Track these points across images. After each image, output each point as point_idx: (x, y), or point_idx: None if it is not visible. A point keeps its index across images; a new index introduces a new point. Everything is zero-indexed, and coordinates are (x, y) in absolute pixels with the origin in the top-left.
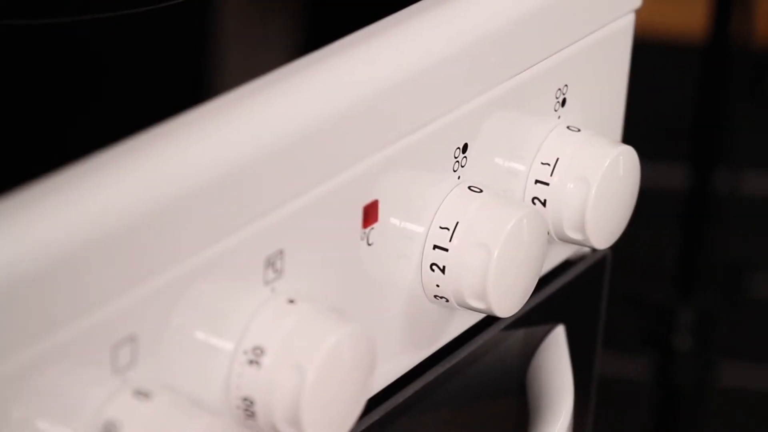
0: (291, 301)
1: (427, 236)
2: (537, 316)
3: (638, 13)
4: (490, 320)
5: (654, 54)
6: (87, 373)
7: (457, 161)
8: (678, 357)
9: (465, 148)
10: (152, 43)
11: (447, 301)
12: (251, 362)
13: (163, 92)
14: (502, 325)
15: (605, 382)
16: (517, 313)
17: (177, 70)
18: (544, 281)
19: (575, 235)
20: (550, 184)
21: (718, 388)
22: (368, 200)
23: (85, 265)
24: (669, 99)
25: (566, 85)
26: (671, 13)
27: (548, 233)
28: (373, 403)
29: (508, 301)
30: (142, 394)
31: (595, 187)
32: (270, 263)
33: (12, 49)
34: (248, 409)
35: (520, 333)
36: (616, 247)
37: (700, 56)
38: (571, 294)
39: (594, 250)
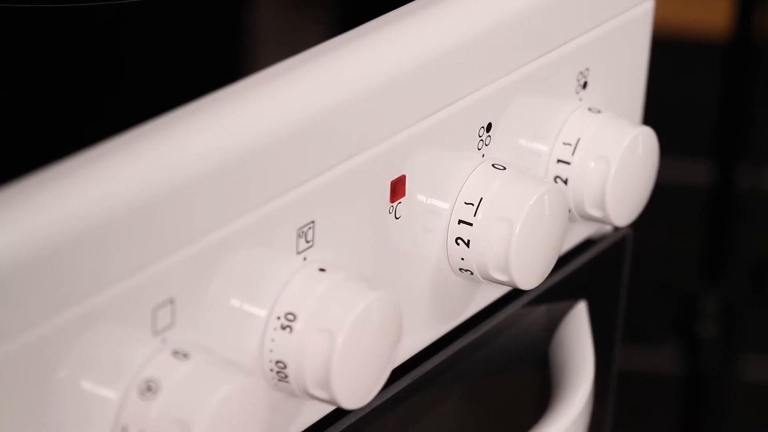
0: (322, 270)
1: (452, 211)
2: (559, 291)
3: (662, 10)
4: (513, 295)
5: (678, 51)
6: (128, 334)
7: (482, 140)
8: (703, 344)
9: (489, 127)
10: (190, 22)
11: (471, 274)
12: (284, 327)
13: (204, 68)
14: (525, 300)
15: (631, 371)
16: (539, 289)
17: (217, 46)
18: (566, 258)
19: (596, 213)
20: (572, 164)
21: (742, 381)
22: (396, 175)
23: (128, 230)
24: (693, 96)
25: (587, 69)
26: (695, 11)
27: (569, 211)
28: (398, 374)
29: (530, 274)
30: (180, 353)
31: (615, 166)
32: (302, 233)
33: (24, 32)
34: (281, 372)
35: (542, 308)
36: (642, 240)
37: (724, 53)
38: (592, 271)
39: (615, 229)
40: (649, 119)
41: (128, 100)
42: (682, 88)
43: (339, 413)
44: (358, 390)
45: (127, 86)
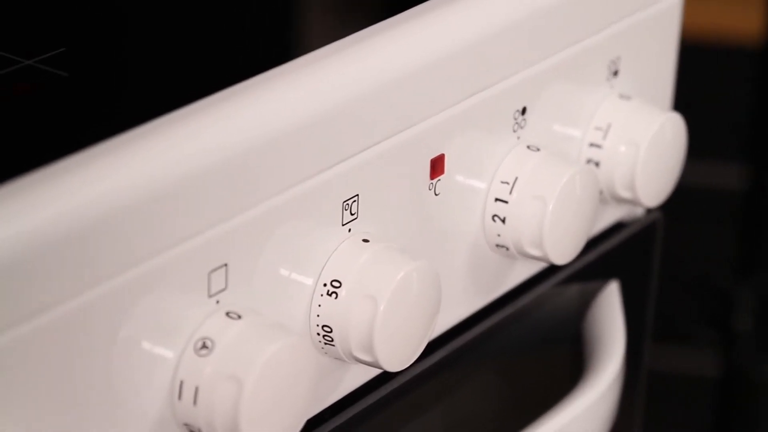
0: (365, 240)
1: (488, 189)
2: (592, 271)
3: (695, 16)
4: (547, 273)
5: (710, 55)
6: (186, 296)
7: (517, 123)
8: (738, 338)
9: (524, 111)
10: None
11: (507, 250)
12: (329, 294)
13: (258, 49)
14: (559, 278)
15: (666, 369)
16: (572, 268)
17: (264, 30)
18: (598, 240)
19: (626, 194)
20: (603, 147)
21: None
22: (436, 154)
23: (187, 199)
24: (725, 100)
25: (618, 57)
26: (727, 16)
27: (601, 193)
28: (435, 346)
29: (563, 250)
30: (233, 314)
31: (645, 150)
32: (347, 206)
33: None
34: (327, 336)
35: (576, 287)
36: (677, 238)
37: (756, 57)
38: (624, 252)
39: (648, 212)
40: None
41: (187, 76)
42: (715, 91)
43: (381, 380)
44: (400, 354)
45: (181, 64)
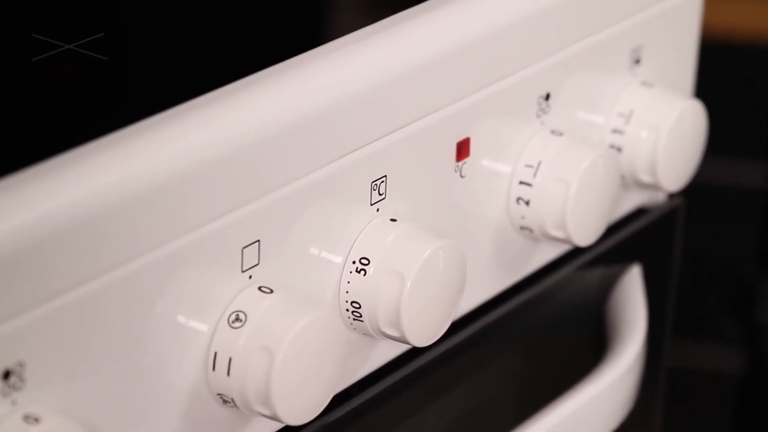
0: (393, 220)
1: (513, 173)
2: (615, 255)
3: (716, 15)
4: (571, 256)
5: (732, 54)
6: (220, 271)
7: (541, 108)
8: (763, 331)
9: (548, 96)
10: None
11: (531, 232)
12: (358, 271)
13: (288, 33)
14: (582, 261)
15: (690, 365)
16: (595, 251)
17: (297, 14)
18: (621, 224)
19: (647, 178)
20: (625, 133)
21: None
22: (461, 137)
23: (221, 176)
24: (748, 99)
25: (640, 46)
26: (751, 14)
27: (623, 178)
28: (460, 325)
29: (585, 231)
30: (265, 288)
31: (666, 135)
32: (375, 186)
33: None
34: (356, 312)
35: (598, 270)
36: (700, 237)
37: None
38: (646, 236)
39: (670, 198)
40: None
41: (221, 57)
42: (737, 90)
43: (407, 358)
44: (426, 330)
45: (215, 46)
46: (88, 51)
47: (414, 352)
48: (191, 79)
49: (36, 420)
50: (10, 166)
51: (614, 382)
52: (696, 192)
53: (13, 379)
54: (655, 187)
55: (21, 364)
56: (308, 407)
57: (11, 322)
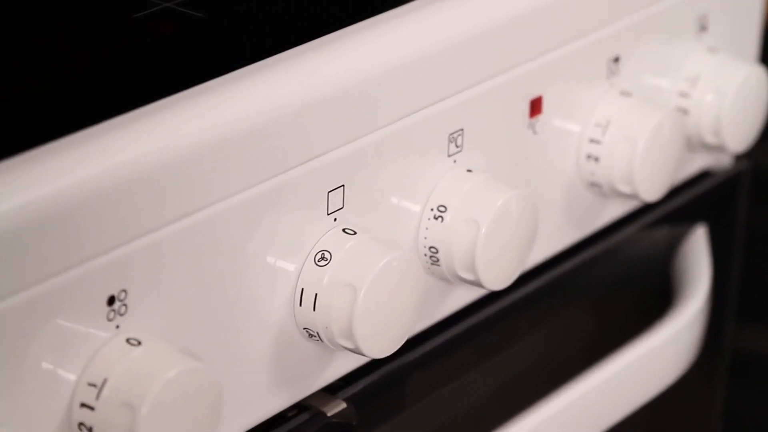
0: (469, 171)
1: (583, 131)
2: (681, 214)
3: None
4: (638, 214)
5: None
6: (307, 213)
7: (610, 71)
8: None
9: (617, 59)
10: None
11: (600, 187)
12: (436, 218)
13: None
14: (649, 219)
15: (754, 347)
16: (662, 210)
17: None
18: (687, 185)
19: (712, 139)
20: (692, 96)
21: None
22: (535, 95)
23: (308, 124)
24: None
25: (706, 14)
26: None
27: (689, 140)
28: (528, 278)
29: (652, 187)
30: (349, 230)
31: (732, 98)
32: (453, 139)
33: None
34: (433, 257)
35: (665, 229)
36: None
37: None
38: (712, 197)
39: (736, 161)
40: None
41: (302, 15)
42: None
43: (481, 303)
44: (500, 274)
45: (294, 5)
46: (186, 9)
47: (483, 302)
48: (283, 34)
49: (138, 343)
50: (126, 106)
51: (677, 333)
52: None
53: (117, 305)
54: (719, 148)
55: (125, 291)
56: (388, 342)
57: (117, 251)
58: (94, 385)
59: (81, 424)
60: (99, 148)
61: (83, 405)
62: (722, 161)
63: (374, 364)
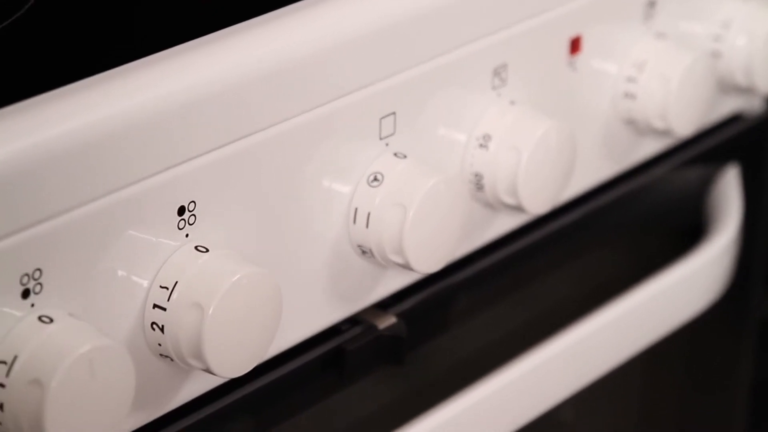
0: (512, 103)
1: (620, 70)
2: (713, 154)
3: None
4: (672, 153)
5: None
6: (360, 138)
7: (647, 14)
8: None
9: (653, 3)
10: None
11: (636, 123)
12: (481, 146)
13: None
14: (682, 158)
15: None
16: (694, 150)
17: None
18: (720, 127)
19: (744, 81)
20: (725, 40)
21: None
22: (574, 34)
23: (361, 53)
24: None
25: None
26: None
27: (722, 82)
28: (562, 211)
29: (685, 121)
30: (400, 154)
31: (763, 41)
32: (497, 73)
33: None
34: (478, 183)
35: (698, 168)
36: None
37: None
38: (744, 138)
39: (767, 103)
40: None
41: None
42: None
43: (521, 232)
44: (540, 199)
45: None
46: None
47: (523, 232)
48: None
49: (206, 250)
50: (195, 33)
51: (709, 260)
52: None
53: (186, 214)
54: (750, 90)
55: (194, 202)
56: (435, 259)
57: (186, 165)
58: (165, 288)
59: (153, 323)
60: (174, 67)
61: (156, 306)
62: (753, 105)
63: (422, 284)
